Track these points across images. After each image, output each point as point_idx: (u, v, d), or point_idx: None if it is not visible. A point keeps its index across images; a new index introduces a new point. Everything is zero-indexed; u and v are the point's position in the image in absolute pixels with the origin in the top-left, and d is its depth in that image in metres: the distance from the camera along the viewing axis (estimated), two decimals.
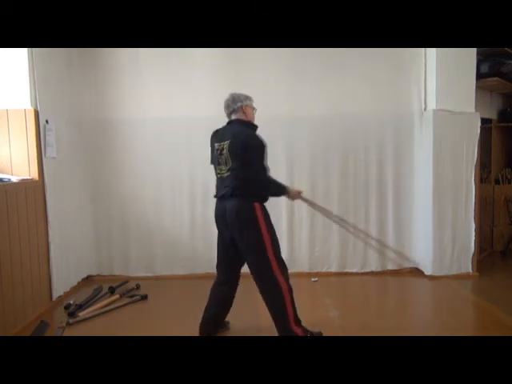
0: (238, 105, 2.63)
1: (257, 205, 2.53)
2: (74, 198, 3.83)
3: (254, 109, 2.72)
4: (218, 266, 2.76)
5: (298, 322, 2.57)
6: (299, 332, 2.54)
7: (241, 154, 2.51)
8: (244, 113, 2.65)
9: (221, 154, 2.60)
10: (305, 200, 2.92)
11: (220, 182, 2.65)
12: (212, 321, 2.74)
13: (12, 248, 2.86)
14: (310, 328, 2.60)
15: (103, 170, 4.05)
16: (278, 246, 2.60)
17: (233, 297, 2.75)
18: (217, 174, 2.68)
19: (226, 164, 2.57)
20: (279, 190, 2.68)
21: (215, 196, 2.71)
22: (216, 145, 2.65)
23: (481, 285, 3.85)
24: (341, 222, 3.48)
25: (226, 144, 2.57)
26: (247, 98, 2.69)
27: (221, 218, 2.62)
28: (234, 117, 2.67)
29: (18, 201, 2.96)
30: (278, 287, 2.50)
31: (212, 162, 2.73)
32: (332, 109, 4.02)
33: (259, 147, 2.53)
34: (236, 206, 2.51)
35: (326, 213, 3.27)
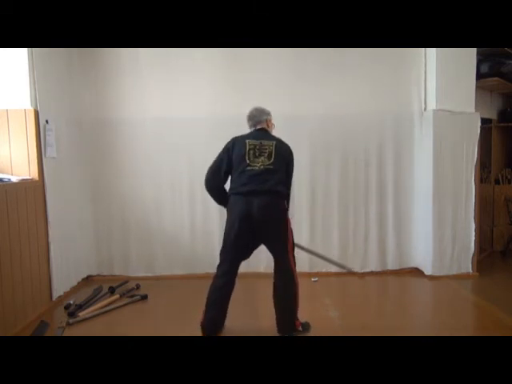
0: (263, 117, 2.87)
1: (285, 202, 2.72)
2: (73, 198, 3.83)
3: (273, 124, 2.96)
4: (223, 265, 2.73)
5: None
6: (297, 324, 2.70)
7: (286, 161, 2.76)
8: (268, 126, 2.89)
9: (262, 149, 2.71)
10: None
11: (253, 174, 2.65)
12: (216, 321, 2.74)
13: (12, 248, 2.86)
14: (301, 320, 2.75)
15: (103, 170, 4.04)
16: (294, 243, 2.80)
17: (230, 297, 2.75)
18: (249, 166, 2.67)
19: (269, 158, 2.69)
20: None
21: (234, 192, 2.70)
22: (252, 141, 2.73)
23: (481, 285, 3.85)
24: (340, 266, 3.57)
25: (273, 143, 2.73)
26: (269, 113, 2.93)
27: (247, 216, 2.61)
28: (259, 126, 2.85)
29: (18, 201, 2.96)
30: (295, 279, 2.69)
31: (231, 162, 2.74)
32: (332, 109, 4.01)
33: (293, 167, 2.84)
34: (271, 201, 2.63)
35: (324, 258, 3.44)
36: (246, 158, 2.69)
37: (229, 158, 2.75)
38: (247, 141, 2.74)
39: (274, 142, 2.75)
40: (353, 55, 3.94)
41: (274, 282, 2.71)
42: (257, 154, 2.69)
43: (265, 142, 2.73)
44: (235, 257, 2.73)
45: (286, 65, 3.98)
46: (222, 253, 2.75)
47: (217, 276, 2.74)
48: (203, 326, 2.72)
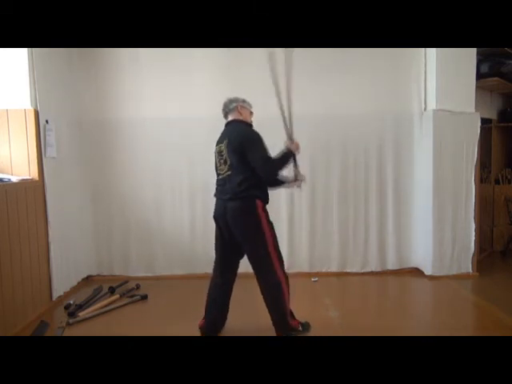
0: (233, 105, 2.73)
1: (258, 202, 2.58)
2: (73, 198, 3.83)
3: (251, 112, 2.80)
4: (217, 265, 2.77)
5: (292, 314, 2.69)
6: (294, 323, 2.67)
7: (239, 149, 2.55)
8: (239, 113, 2.73)
9: (221, 156, 2.66)
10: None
11: (221, 181, 2.67)
12: (216, 322, 2.75)
13: (12, 248, 2.86)
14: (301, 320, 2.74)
15: (103, 170, 4.05)
16: (277, 240, 2.66)
17: (230, 294, 2.77)
18: (218, 175, 2.72)
19: (225, 163, 2.62)
20: (287, 158, 2.67)
21: (215, 195, 2.73)
22: (216, 148, 2.71)
23: (481, 285, 3.85)
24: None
25: (224, 144, 2.63)
26: (243, 100, 2.78)
27: (221, 217, 2.65)
28: (230, 117, 2.75)
29: (18, 201, 2.96)
30: (277, 281, 2.59)
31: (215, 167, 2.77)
32: (332, 109, 4.02)
33: (257, 137, 2.58)
34: (238, 207, 2.56)
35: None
36: (217, 165, 2.71)
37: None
38: (216, 147, 2.72)
39: (225, 142, 2.62)
40: (353, 55, 3.94)
41: (259, 285, 2.68)
42: (221, 162, 2.65)
43: (222, 147, 2.64)
44: (222, 256, 2.73)
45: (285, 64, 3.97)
46: (215, 260, 2.80)
47: (213, 276, 2.77)
48: (202, 327, 2.72)
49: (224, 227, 2.66)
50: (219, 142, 2.70)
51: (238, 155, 2.55)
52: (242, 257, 2.76)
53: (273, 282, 2.60)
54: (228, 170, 2.60)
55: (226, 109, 2.75)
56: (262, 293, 2.66)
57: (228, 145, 2.60)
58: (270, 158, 2.56)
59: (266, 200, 2.65)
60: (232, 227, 2.60)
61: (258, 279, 2.65)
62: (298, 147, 2.72)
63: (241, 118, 2.72)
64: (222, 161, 2.64)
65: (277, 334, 2.66)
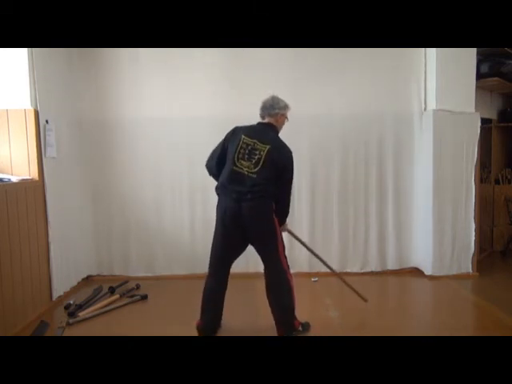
0: (275, 111, 2.70)
1: (272, 206, 2.63)
2: (74, 198, 3.83)
3: (287, 118, 2.80)
4: (213, 264, 2.75)
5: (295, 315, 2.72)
6: (296, 323, 2.69)
7: (279, 170, 2.59)
8: (277, 120, 2.73)
9: (251, 152, 2.59)
10: (290, 233, 3.05)
11: (239, 177, 2.58)
12: (213, 321, 2.75)
13: (12, 248, 2.86)
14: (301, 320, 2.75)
15: (103, 170, 4.04)
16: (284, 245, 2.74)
17: (224, 294, 2.76)
18: (235, 167, 2.61)
19: (256, 165, 2.57)
20: (287, 214, 2.81)
21: (221, 189, 2.66)
22: (246, 139, 2.62)
23: (481, 285, 3.85)
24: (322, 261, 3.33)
25: (266, 148, 2.59)
26: (286, 107, 2.75)
27: (233, 217, 2.59)
28: (267, 119, 2.73)
29: (18, 201, 2.96)
30: (287, 280, 2.65)
31: (224, 155, 2.68)
32: (332, 109, 4.01)
33: (292, 172, 2.66)
34: (259, 206, 2.58)
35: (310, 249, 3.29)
36: (235, 156, 2.61)
37: (223, 148, 2.70)
38: (243, 136, 2.63)
39: (268, 147, 2.58)
40: (353, 55, 3.94)
41: (267, 284, 2.69)
42: (246, 157, 2.58)
43: (258, 145, 2.59)
44: (223, 256, 2.71)
45: (286, 64, 3.98)
46: (212, 251, 2.74)
47: (208, 275, 2.76)
48: (199, 327, 2.72)
49: (233, 227, 2.61)
50: (255, 137, 2.61)
51: (275, 172, 2.58)
52: (238, 255, 2.78)
53: (283, 281, 2.64)
54: (255, 174, 2.56)
55: (266, 111, 2.71)
56: (271, 291, 2.66)
57: (271, 153, 2.57)
58: (286, 198, 2.71)
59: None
60: (246, 226, 2.59)
61: (271, 276, 2.67)
62: (284, 229, 2.88)
63: (276, 124, 2.73)
64: (249, 157, 2.57)
65: (278, 333, 2.65)
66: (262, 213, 2.60)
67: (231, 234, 2.65)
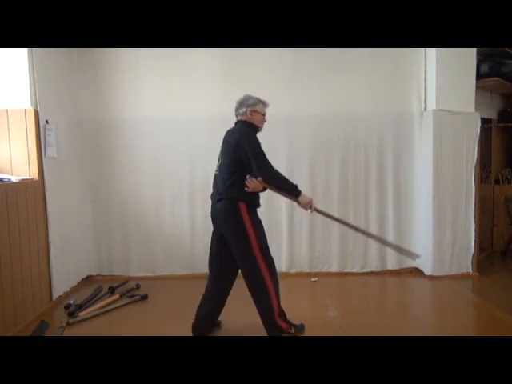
0: (243, 110, 2.67)
1: (242, 204, 2.53)
2: (73, 198, 3.83)
3: (263, 114, 2.72)
4: (211, 264, 2.77)
5: (282, 315, 2.66)
6: (284, 325, 2.63)
7: (230, 150, 2.55)
8: (249, 118, 2.67)
9: (221, 154, 2.69)
10: (318, 211, 2.73)
11: (216, 180, 2.70)
12: (204, 320, 2.74)
13: (12, 248, 2.86)
14: (294, 322, 2.71)
15: (103, 170, 4.05)
16: (265, 242, 2.60)
17: (226, 296, 2.74)
18: (215, 171, 2.73)
19: (218, 162, 2.67)
20: (290, 185, 2.58)
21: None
22: (224, 140, 2.70)
23: (481, 285, 3.85)
24: (359, 230, 3.13)
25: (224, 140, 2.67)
26: (256, 103, 2.66)
27: (213, 217, 2.68)
28: (239, 117, 2.73)
29: (18, 201, 2.96)
30: (263, 283, 2.56)
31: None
32: (332, 109, 4.02)
33: (250, 137, 2.53)
34: (223, 208, 2.57)
35: (343, 222, 2.98)
36: (218, 160, 2.70)
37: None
38: (224, 140, 2.70)
39: (224, 139, 2.66)
40: (353, 55, 3.94)
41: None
42: (220, 158, 2.67)
43: (223, 146, 2.66)
44: (218, 262, 2.70)
45: (286, 64, 3.98)
46: (209, 259, 2.80)
47: (208, 282, 2.78)
48: (191, 326, 2.72)
49: (215, 230, 2.71)
50: (224, 137, 2.69)
51: (229, 156, 2.55)
52: (230, 259, 2.65)
53: (258, 285, 2.57)
54: (218, 170, 2.64)
55: (237, 110, 2.70)
56: (250, 295, 2.64)
57: (223, 144, 2.64)
58: (267, 160, 2.50)
59: (251, 201, 2.58)
60: (220, 227, 2.63)
61: (246, 281, 2.63)
62: (306, 206, 2.62)
63: (250, 121, 2.67)
64: (220, 157, 2.68)
65: (267, 334, 2.65)
66: (227, 215, 2.54)
67: (214, 238, 2.72)
